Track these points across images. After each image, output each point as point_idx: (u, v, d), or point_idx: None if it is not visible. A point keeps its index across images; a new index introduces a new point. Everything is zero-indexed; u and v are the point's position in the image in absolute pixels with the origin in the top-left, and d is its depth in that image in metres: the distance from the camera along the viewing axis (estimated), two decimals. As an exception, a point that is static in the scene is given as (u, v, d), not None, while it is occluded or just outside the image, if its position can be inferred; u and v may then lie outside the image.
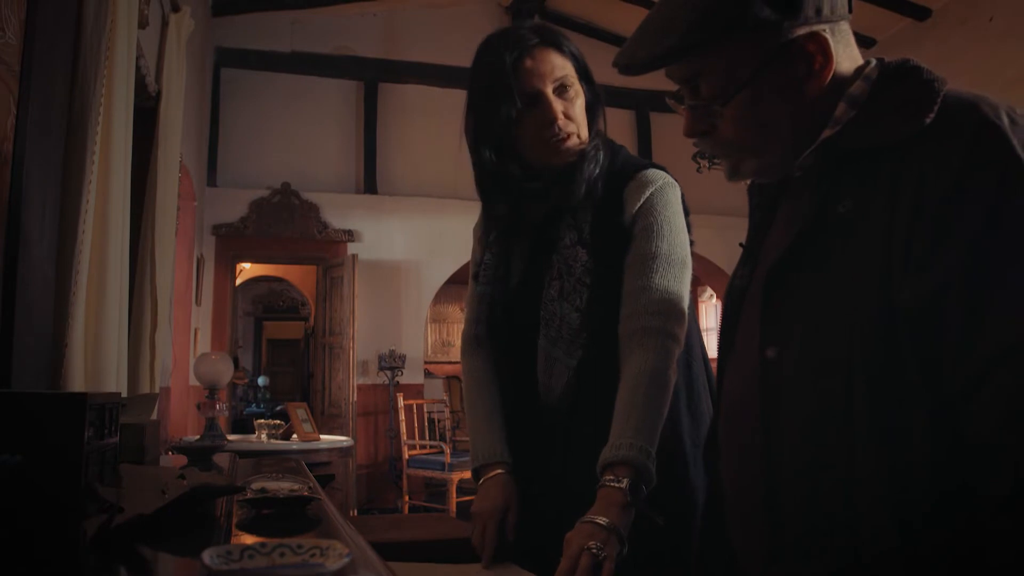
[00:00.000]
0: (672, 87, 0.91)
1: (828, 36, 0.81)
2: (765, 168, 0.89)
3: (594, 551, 1.02)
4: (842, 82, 0.84)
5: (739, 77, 0.82)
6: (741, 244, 1.00)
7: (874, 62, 0.85)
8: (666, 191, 1.28)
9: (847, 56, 0.85)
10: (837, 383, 0.76)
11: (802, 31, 0.80)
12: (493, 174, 1.30)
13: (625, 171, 1.31)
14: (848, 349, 0.75)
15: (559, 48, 1.26)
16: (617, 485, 1.09)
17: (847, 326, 0.76)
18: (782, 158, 0.86)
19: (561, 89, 1.25)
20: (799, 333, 0.81)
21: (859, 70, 0.85)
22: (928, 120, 0.75)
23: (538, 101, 1.24)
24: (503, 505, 1.24)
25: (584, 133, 1.28)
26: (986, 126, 0.72)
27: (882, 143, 0.78)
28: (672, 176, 1.32)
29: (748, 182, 0.98)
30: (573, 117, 1.26)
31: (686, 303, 1.24)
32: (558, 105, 1.24)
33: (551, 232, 1.30)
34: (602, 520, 1.06)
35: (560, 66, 1.25)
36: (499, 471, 1.27)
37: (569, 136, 1.26)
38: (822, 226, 0.81)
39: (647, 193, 1.27)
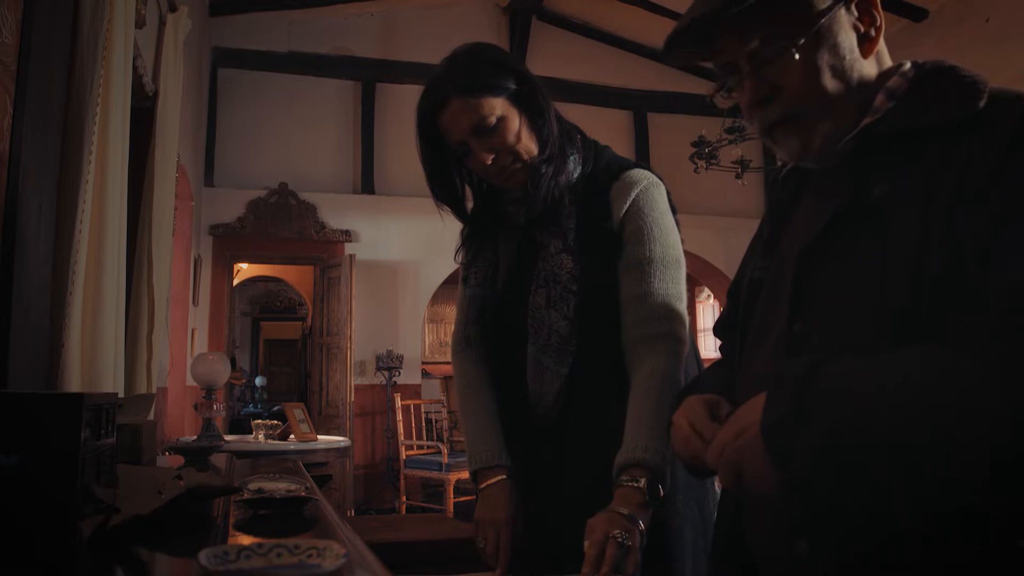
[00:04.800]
0: (673, 88, 0.91)
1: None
2: (837, 132, 0.87)
3: (619, 539, 1.04)
4: (882, 75, 0.87)
5: (807, 21, 0.84)
6: (760, 234, 1.00)
7: (909, 63, 0.88)
8: (651, 191, 1.28)
9: (883, 47, 0.88)
10: None
11: None
12: (462, 199, 1.35)
13: (609, 172, 1.30)
14: (876, 333, 0.76)
15: (471, 92, 1.21)
16: (635, 485, 1.11)
17: (876, 311, 0.76)
18: (844, 128, 0.86)
19: (482, 130, 1.22)
20: (827, 318, 0.82)
21: (894, 68, 0.88)
22: (981, 104, 0.77)
23: (466, 149, 1.25)
24: (512, 513, 1.24)
25: (528, 152, 1.26)
26: None
27: (923, 127, 0.80)
28: (657, 175, 1.32)
29: (768, 176, 0.98)
30: (507, 148, 1.24)
31: (684, 303, 1.25)
32: (483, 149, 1.23)
33: (536, 236, 1.30)
34: (624, 510, 1.08)
35: (474, 108, 1.21)
36: (501, 476, 1.27)
37: (503, 168, 1.26)
38: (855, 211, 0.82)
39: (633, 195, 1.27)
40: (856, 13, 0.85)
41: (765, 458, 0.74)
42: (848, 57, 0.85)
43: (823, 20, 0.84)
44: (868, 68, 0.86)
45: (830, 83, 0.85)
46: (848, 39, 0.85)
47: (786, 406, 0.72)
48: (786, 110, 0.88)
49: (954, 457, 0.66)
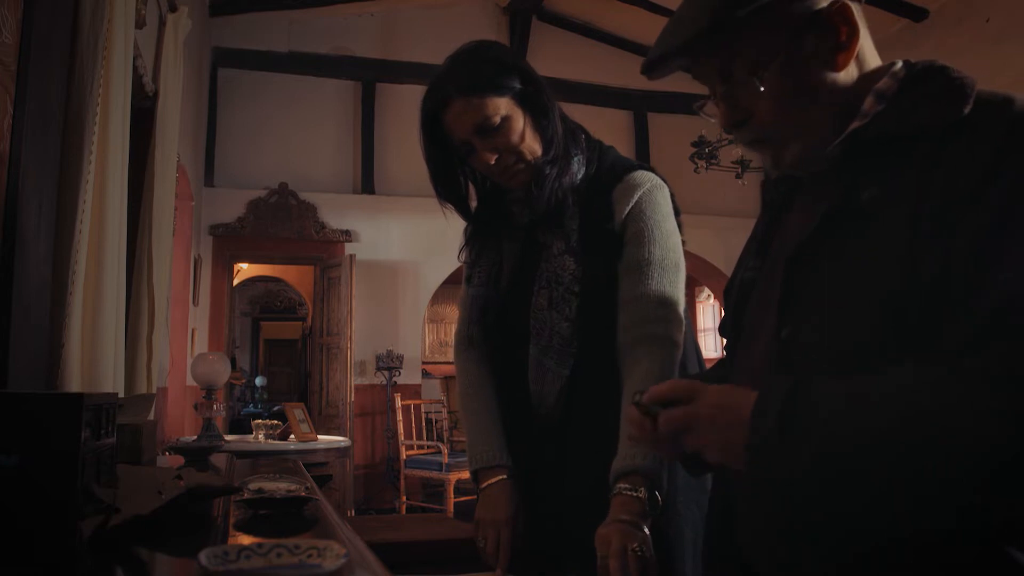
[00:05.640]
0: (673, 89, 0.92)
1: (852, 6, 0.83)
2: (808, 151, 0.88)
3: (639, 552, 1.04)
4: (868, 77, 0.85)
5: (773, 50, 0.83)
6: (755, 234, 1.00)
7: (900, 63, 0.86)
8: (654, 193, 1.28)
9: (868, 48, 0.87)
10: (853, 368, 0.76)
11: (826, 1, 0.83)
12: (465, 197, 1.35)
13: (613, 173, 1.30)
14: (867, 334, 0.76)
15: (474, 91, 1.21)
16: (635, 495, 1.10)
17: (866, 313, 0.76)
18: (822, 139, 0.86)
19: (485, 130, 1.22)
20: (817, 320, 0.82)
21: (884, 69, 0.86)
22: (966, 110, 0.76)
23: (470, 148, 1.24)
24: (513, 513, 1.24)
25: (532, 152, 1.25)
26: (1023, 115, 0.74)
27: (913, 130, 0.79)
28: (661, 176, 1.31)
29: (761, 179, 0.99)
30: (510, 147, 1.23)
31: (682, 307, 1.25)
32: (487, 149, 1.23)
33: (539, 236, 1.30)
34: (631, 519, 1.08)
35: (477, 108, 1.21)
36: (501, 476, 1.27)
37: (506, 168, 1.25)
38: (845, 213, 0.81)
39: (636, 197, 1.26)
40: (830, 26, 0.83)
41: (741, 461, 0.75)
42: (820, 75, 0.84)
43: (789, 47, 0.83)
44: (846, 76, 0.85)
45: (800, 106, 0.85)
46: (820, 57, 0.84)
47: (772, 423, 0.73)
48: (757, 135, 0.89)
49: (955, 461, 0.66)
